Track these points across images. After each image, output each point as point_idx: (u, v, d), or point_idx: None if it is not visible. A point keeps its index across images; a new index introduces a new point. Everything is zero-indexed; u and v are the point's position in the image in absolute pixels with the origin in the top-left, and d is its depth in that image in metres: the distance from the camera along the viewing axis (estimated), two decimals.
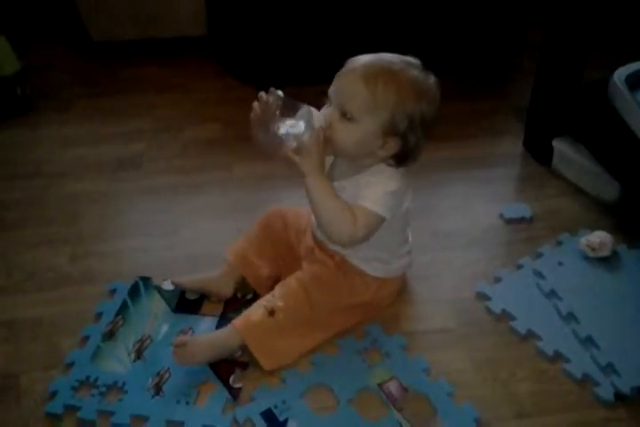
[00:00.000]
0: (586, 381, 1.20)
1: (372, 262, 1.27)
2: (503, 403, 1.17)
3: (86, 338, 1.29)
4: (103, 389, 1.19)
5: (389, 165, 1.14)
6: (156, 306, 1.36)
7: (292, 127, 1.06)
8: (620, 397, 1.16)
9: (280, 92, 1.07)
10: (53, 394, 1.18)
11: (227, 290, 1.34)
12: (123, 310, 1.35)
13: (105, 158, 1.81)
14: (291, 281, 1.25)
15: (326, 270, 1.27)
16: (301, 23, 1.96)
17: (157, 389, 1.19)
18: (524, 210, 1.57)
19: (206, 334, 1.24)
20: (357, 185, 1.13)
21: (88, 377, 1.21)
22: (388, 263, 1.28)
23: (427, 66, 2.05)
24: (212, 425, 1.13)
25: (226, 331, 1.21)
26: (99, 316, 1.34)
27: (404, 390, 1.18)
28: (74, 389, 1.19)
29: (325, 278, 1.25)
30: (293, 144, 1.06)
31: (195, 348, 1.17)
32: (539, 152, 1.75)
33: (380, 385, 1.19)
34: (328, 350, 1.25)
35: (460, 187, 1.68)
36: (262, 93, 1.07)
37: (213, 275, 1.34)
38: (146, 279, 1.41)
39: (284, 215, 1.38)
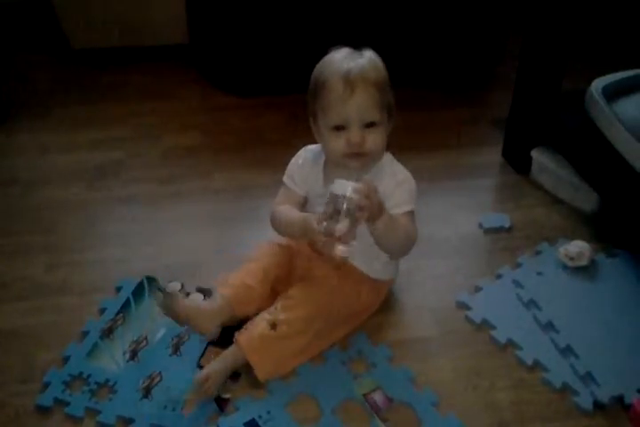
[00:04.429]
0: (565, 390, 1.20)
1: (372, 263, 1.28)
2: (484, 412, 1.17)
3: (86, 333, 1.29)
4: (94, 386, 1.20)
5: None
6: (157, 308, 1.33)
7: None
8: (598, 406, 1.17)
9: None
10: (46, 386, 1.19)
11: (209, 327, 1.21)
12: (125, 308, 1.35)
13: (83, 166, 1.79)
14: (294, 293, 1.23)
15: (330, 280, 1.25)
16: (283, 33, 1.96)
17: (147, 391, 1.19)
18: (503, 219, 1.58)
19: (217, 360, 1.18)
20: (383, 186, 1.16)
21: (81, 373, 1.22)
22: (385, 262, 1.29)
23: (407, 76, 2.07)
24: None
25: (233, 349, 1.18)
26: (101, 311, 1.34)
27: (389, 400, 1.18)
28: (65, 383, 1.20)
29: (332, 287, 1.24)
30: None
31: (216, 378, 1.15)
32: (518, 162, 1.76)
33: (364, 395, 1.18)
34: (313, 361, 1.24)
35: (439, 196, 1.69)
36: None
37: (201, 308, 1.22)
38: (152, 279, 1.41)
39: (280, 244, 1.34)
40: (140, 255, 1.49)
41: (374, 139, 1.14)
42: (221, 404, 1.17)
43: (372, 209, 1.06)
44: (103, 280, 1.42)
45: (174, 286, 1.39)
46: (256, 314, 1.27)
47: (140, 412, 1.15)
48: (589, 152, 1.55)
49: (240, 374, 1.21)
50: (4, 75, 2.01)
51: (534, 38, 1.58)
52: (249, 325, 1.21)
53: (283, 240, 1.34)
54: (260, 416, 1.14)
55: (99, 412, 1.15)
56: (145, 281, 1.41)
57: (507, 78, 1.82)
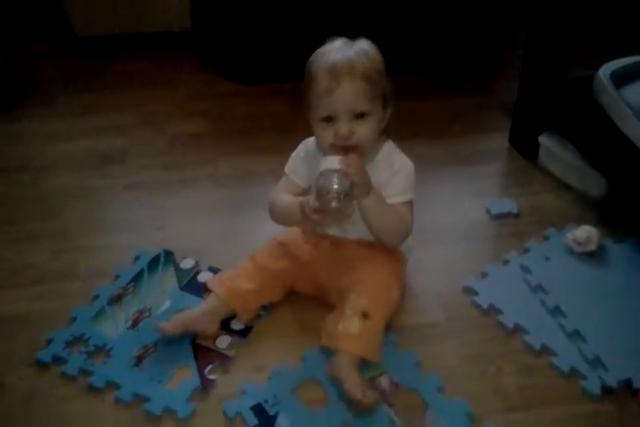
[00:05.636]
0: (573, 374, 1.20)
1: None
2: (491, 397, 1.17)
3: (96, 297, 1.34)
4: (92, 348, 1.24)
5: (383, 136, 1.20)
6: (167, 281, 1.38)
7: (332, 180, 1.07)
8: (607, 390, 1.16)
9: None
10: (48, 342, 1.24)
11: (213, 327, 1.25)
12: (138, 278, 1.38)
13: (89, 153, 1.79)
14: (359, 277, 1.22)
15: (365, 254, 1.26)
16: (286, 19, 1.95)
17: (138, 361, 1.22)
18: (510, 205, 1.57)
19: (346, 377, 1.12)
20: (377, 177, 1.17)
21: (83, 334, 1.26)
22: None
23: (414, 63, 2.06)
24: (173, 409, 1.13)
25: (341, 358, 1.14)
26: (116, 277, 1.39)
27: (395, 384, 1.17)
28: (67, 342, 1.25)
29: (376, 259, 1.25)
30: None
31: (363, 387, 1.12)
32: (525, 148, 1.75)
33: (370, 379, 1.17)
34: (319, 345, 1.22)
35: (446, 183, 1.68)
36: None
37: (197, 313, 1.24)
38: (169, 253, 1.44)
39: (281, 241, 1.34)
40: (145, 242, 1.49)
41: (364, 130, 1.13)
42: (205, 383, 1.18)
43: (359, 177, 1.08)
44: (109, 266, 1.42)
45: (186, 264, 1.41)
46: (259, 308, 1.29)
47: (127, 379, 1.18)
48: (597, 137, 1.54)
49: (230, 357, 1.22)
50: (9, 63, 2.01)
51: (541, 24, 1.56)
52: (340, 329, 1.16)
53: (284, 238, 1.34)
54: (266, 401, 1.14)
55: (91, 374, 1.19)
56: (162, 254, 1.43)
57: (514, 65, 1.80)
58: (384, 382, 1.18)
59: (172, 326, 1.22)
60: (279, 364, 1.21)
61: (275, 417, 1.12)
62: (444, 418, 1.12)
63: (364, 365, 1.17)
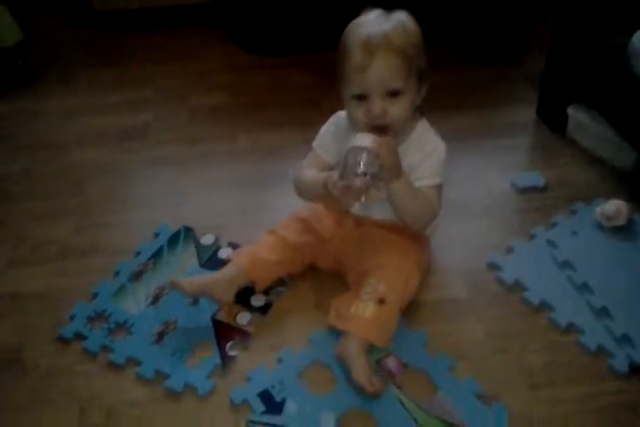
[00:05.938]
0: (600, 352, 1.17)
1: None
2: (516, 374, 1.15)
3: (117, 273, 1.35)
4: (113, 325, 1.24)
5: (417, 114, 1.17)
6: (187, 258, 1.38)
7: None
8: (634, 368, 1.14)
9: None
10: (71, 318, 1.26)
11: (227, 296, 1.23)
12: (157, 254, 1.38)
13: (110, 129, 1.78)
14: (381, 262, 1.20)
15: (391, 238, 1.24)
16: None
17: (159, 337, 1.22)
18: (537, 179, 1.54)
19: (354, 360, 1.10)
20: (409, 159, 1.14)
21: (104, 310, 1.27)
22: None
23: (442, 34, 2.00)
24: (193, 386, 1.13)
25: (349, 340, 1.13)
26: (136, 254, 1.39)
27: (403, 365, 1.15)
28: (89, 318, 1.25)
29: (400, 244, 1.24)
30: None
31: (369, 374, 1.10)
32: (553, 120, 1.70)
33: (378, 362, 1.15)
34: (325, 327, 1.21)
35: (472, 156, 1.64)
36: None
37: (213, 279, 1.23)
38: (189, 230, 1.44)
39: (302, 217, 1.32)
40: (166, 217, 1.48)
41: (397, 110, 1.09)
42: (225, 359, 1.17)
43: (389, 160, 1.04)
44: (130, 242, 1.42)
45: (206, 240, 1.40)
46: (275, 280, 1.28)
47: (148, 356, 1.18)
48: (629, 108, 1.48)
49: (250, 334, 1.22)
50: (27, 39, 2.00)
51: None
52: (353, 312, 1.14)
53: (305, 214, 1.32)
54: (273, 387, 1.13)
55: (112, 350, 1.19)
56: (182, 231, 1.43)
57: (542, 35, 1.74)
58: (391, 363, 1.16)
59: (188, 284, 1.20)
60: (285, 348, 1.19)
61: (282, 403, 1.10)
62: (452, 398, 1.10)
63: (371, 346, 1.16)
